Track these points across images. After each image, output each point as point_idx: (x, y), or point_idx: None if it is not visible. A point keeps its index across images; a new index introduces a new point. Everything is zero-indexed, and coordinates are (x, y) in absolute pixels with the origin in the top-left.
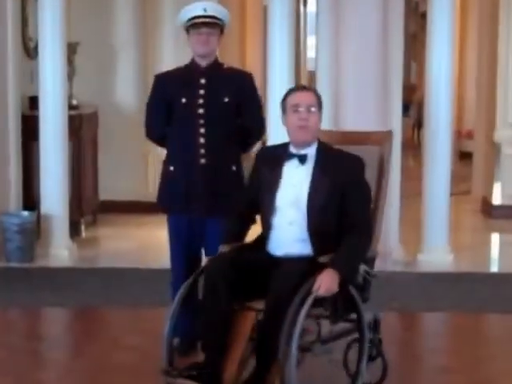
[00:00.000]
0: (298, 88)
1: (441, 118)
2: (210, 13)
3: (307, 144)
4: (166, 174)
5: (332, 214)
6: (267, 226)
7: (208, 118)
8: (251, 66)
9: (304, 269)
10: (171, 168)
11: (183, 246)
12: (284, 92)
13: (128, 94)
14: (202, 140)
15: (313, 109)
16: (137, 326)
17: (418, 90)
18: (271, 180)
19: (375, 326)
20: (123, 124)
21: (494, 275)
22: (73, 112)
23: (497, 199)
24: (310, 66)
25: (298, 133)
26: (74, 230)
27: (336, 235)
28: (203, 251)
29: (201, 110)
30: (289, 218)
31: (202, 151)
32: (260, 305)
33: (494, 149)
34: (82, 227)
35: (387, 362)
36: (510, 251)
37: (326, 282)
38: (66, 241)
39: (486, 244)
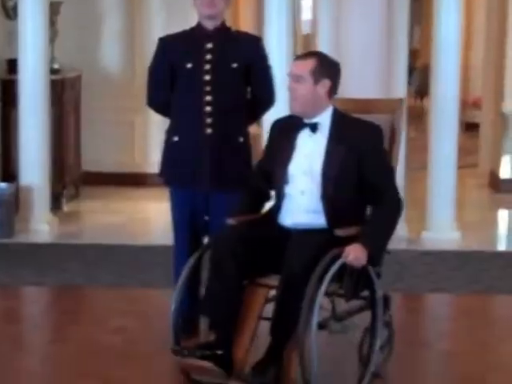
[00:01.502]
0: (296, 56)
1: (448, 86)
2: None
3: (311, 113)
4: (169, 145)
5: (348, 184)
6: (279, 196)
7: (215, 85)
8: (244, 28)
9: (320, 242)
10: (175, 138)
11: (187, 221)
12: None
13: (113, 58)
14: (208, 108)
15: (300, 77)
16: (123, 307)
17: (421, 55)
18: (284, 150)
19: (385, 303)
20: (108, 90)
21: (502, 254)
22: (54, 76)
23: (505, 173)
24: (304, 29)
25: (290, 103)
26: (55, 204)
27: (352, 207)
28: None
29: (207, 77)
30: (301, 187)
31: (209, 120)
32: (271, 280)
33: (503, 120)
34: (64, 200)
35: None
36: None
37: (356, 252)
38: (46, 215)
39: (494, 220)
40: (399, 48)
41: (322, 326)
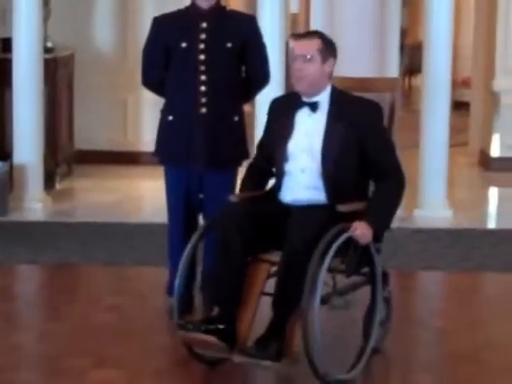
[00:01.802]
0: (298, 35)
1: (440, 65)
2: None
3: (314, 92)
4: (164, 124)
5: (348, 162)
6: (279, 173)
7: (209, 65)
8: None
9: (322, 218)
10: (170, 118)
11: (182, 199)
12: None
13: (106, 37)
14: (202, 88)
15: (308, 57)
16: (117, 285)
17: (409, 34)
18: (283, 129)
19: (384, 279)
20: (101, 68)
21: (493, 231)
22: (48, 55)
23: (495, 151)
24: (292, 9)
25: (295, 83)
26: (48, 182)
27: (353, 183)
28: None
29: (202, 56)
30: (301, 165)
31: (203, 100)
32: (273, 256)
33: (493, 98)
34: (57, 178)
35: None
36: (509, 206)
37: (363, 229)
38: (40, 193)
39: (485, 199)
40: (391, 28)
41: (323, 301)
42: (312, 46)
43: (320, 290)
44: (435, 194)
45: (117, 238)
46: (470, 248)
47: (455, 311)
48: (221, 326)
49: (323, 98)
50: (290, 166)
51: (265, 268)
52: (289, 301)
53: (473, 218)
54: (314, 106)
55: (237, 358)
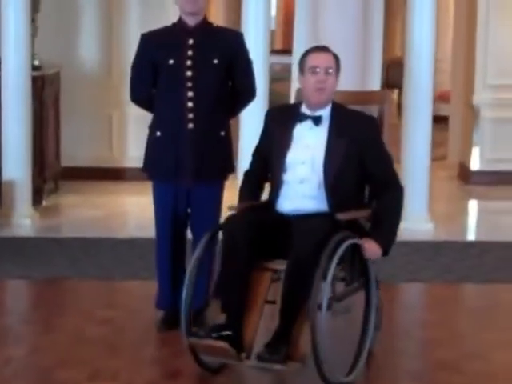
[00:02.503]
0: (317, 49)
1: (421, 80)
2: None
3: (322, 105)
4: (152, 140)
5: (349, 174)
6: (277, 183)
7: (196, 81)
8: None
9: (325, 227)
10: (158, 133)
11: (169, 214)
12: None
13: (91, 55)
14: (190, 104)
15: (330, 70)
16: (107, 299)
17: (385, 51)
18: (282, 139)
19: (377, 285)
20: (86, 85)
21: (474, 244)
22: (35, 73)
23: (475, 165)
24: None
25: (315, 94)
26: (36, 198)
27: (352, 193)
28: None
29: (189, 73)
30: (300, 176)
31: (190, 116)
32: (276, 265)
33: (473, 112)
34: (44, 195)
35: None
36: (489, 219)
37: (374, 247)
38: (28, 209)
39: (465, 212)
40: (374, 44)
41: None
42: (331, 60)
43: (327, 296)
44: (417, 207)
45: (106, 253)
46: (451, 260)
47: (439, 322)
48: (229, 333)
49: (326, 112)
50: (288, 176)
51: (268, 276)
52: (295, 306)
53: (454, 230)
54: (317, 120)
55: (249, 363)
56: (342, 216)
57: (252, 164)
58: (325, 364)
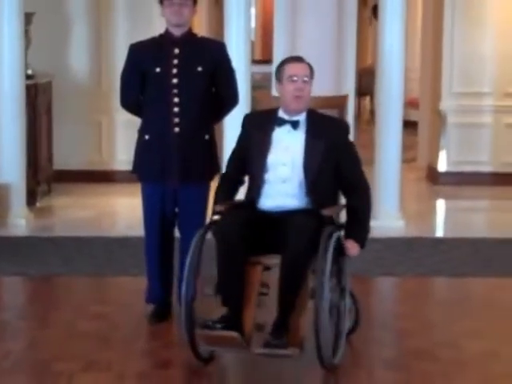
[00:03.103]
0: (293, 59)
1: (393, 87)
2: None
3: (300, 111)
4: (140, 143)
5: (327, 173)
6: (258, 183)
7: (181, 88)
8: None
9: (313, 222)
10: (146, 137)
11: (157, 214)
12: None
13: (82, 64)
14: (175, 109)
15: (306, 79)
16: (100, 294)
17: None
18: (261, 143)
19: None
20: (77, 93)
21: (442, 240)
22: (28, 82)
23: (442, 166)
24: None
25: (293, 102)
26: (30, 200)
27: (330, 191)
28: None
29: (174, 80)
30: (281, 176)
31: (176, 120)
32: (268, 259)
33: (440, 118)
34: (38, 196)
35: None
36: (456, 217)
37: (355, 247)
38: (23, 210)
39: (434, 210)
40: (348, 52)
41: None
42: (307, 69)
43: (328, 284)
44: (389, 206)
45: (97, 251)
46: (422, 255)
47: (412, 313)
48: (233, 324)
49: (302, 117)
50: (269, 176)
51: (259, 270)
52: (294, 297)
53: (423, 227)
54: (295, 124)
55: (258, 350)
56: (326, 212)
57: (229, 167)
58: (326, 348)
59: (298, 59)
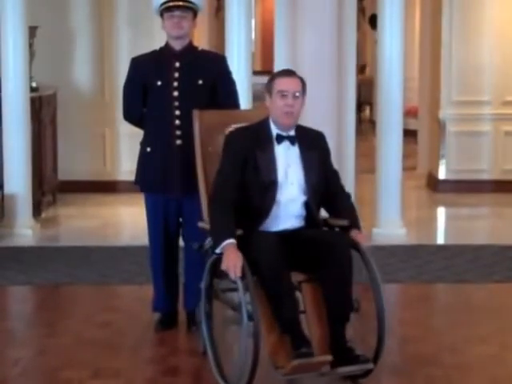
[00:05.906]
0: (284, 73)
1: (393, 97)
2: None
3: (291, 127)
4: (143, 155)
5: (322, 186)
6: (267, 205)
7: (183, 101)
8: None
9: (341, 235)
10: (148, 149)
11: (161, 224)
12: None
13: (85, 77)
14: (177, 122)
15: (297, 94)
16: (106, 303)
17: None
18: (267, 162)
19: None
20: (81, 105)
21: (444, 247)
22: (33, 94)
23: (442, 174)
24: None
25: (284, 117)
26: (36, 210)
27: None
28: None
29: (176, 93)
30: (290, 196)
31: (178, 132)
32: (298, 277)
33: (439, 126)
34: (43, 207)
35: None
36: (456, 224)
37: (364, 236)
38: (29, 220)
39: (434, 217)
40: (348, 66)
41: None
42: (299, 84)
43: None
44: (391, 214)
45: (103, 260)
46: (424, 262)
47: (415, 319)
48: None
49: (293, 132)
50: (279, 197)
51: (310, 286)
52: (347, 311)
53: (424, 235)
54: (292, 140)
55: (343, 370)
56: (338, 222)
57: (224, 190)
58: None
59: (289, 73)
